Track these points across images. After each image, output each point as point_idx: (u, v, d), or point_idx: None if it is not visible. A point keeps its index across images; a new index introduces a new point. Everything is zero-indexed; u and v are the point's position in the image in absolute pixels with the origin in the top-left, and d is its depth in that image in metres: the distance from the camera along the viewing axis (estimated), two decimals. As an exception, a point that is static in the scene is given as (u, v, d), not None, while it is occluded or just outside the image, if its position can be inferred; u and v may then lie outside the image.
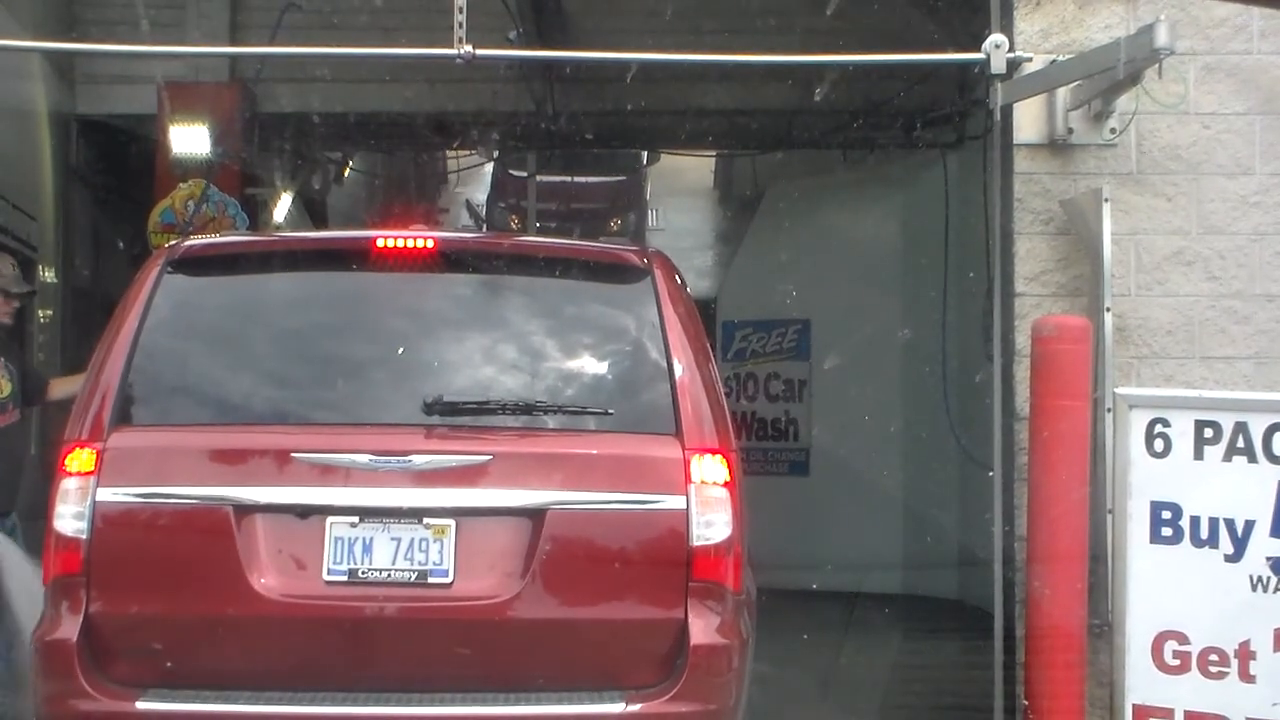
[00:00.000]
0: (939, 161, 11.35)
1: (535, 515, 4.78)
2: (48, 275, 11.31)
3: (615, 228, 18.95)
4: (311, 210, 13.99)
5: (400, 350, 5.03)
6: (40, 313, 11.08)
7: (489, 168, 19.38)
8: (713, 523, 4.80)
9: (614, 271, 5.23)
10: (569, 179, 17.98)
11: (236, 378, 5.07)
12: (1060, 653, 5.87)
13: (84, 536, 4.75)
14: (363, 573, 4.75)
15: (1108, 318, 6.63)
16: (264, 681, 4.74)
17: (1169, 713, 5.75)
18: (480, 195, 21.11)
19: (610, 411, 4.97)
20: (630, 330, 5.10)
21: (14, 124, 10.68)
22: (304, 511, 4.79)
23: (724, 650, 4.81)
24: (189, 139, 10.84)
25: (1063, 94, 6.83)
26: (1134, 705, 5.80)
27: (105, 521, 4.76)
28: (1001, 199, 7.18)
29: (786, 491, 12.41)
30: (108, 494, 4.77)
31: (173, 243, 5.44)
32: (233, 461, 4.91)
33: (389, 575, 4.75)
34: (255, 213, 11.35)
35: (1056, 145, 6.92)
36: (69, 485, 4.79)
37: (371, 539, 4.77)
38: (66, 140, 11.56)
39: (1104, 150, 6.92)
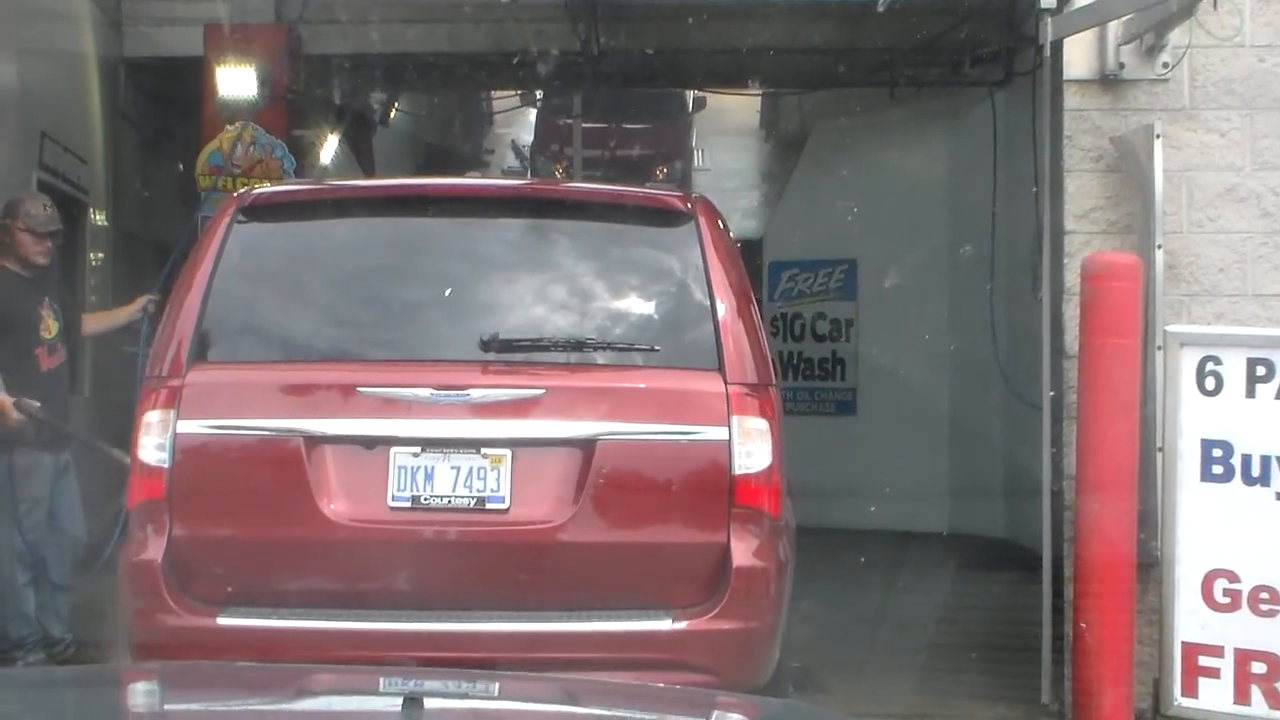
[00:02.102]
0: (987, 99, 11.24)
1: (586, 445, 5.03)
2: (98, 218, 11.38)
3: (661, 175, 18.83)
4: (358, 151, 14.01)
5: (451, 291, 5.28)
6: (91, 255, 11.16)
7: (533, 110, 19.31)
8: (753, 453, 5.04)
9: (660, 216, 5.45)
10: (613, 125, 17.89)
11: (305, 318, 5.38)
12: (1109, 584, 5.87)
13: (165, 465, 5.05)
14: (425, 499, 5.03)
15: (1159, 255, 6.58)
16: (333, 599, 5.07)
17: (1219, 650, 5.75)
18: (525, 136, 21.06)
19: (656, 348, 5.22)
20: (675, 272, 5.34)
21: (63, 68, 10.73)
22: (370, 442, 5.07)
23: (764, 572, 5.06)
24: (235, 81, 10.84)
25: (1114, 28, 6.74)
26: (1183, 643, 5.80)
27: (185, 452, 5.06)
28: (1051, 136, 7.12)
29: (834, 431, 12.42)
30: (186, 426, 5.06)
31: (242, 190, 5.71)
32: (303, 396, 5.21)
33: (449, 501, 5.03)
34: (302, 154, 11.36)
35: (1107, 81, 6.84)
36: (151, 418, 5.09)
37: (433, 468, 5.04)
38: (115, 84, 11.58)
39: (1156, 85, 6.84)
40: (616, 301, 5.38)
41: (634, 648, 4.96)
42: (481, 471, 5.03)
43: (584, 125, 15.12)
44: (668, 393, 5.14)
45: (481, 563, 5.06)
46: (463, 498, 5.02)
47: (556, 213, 5.62)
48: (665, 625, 4.97)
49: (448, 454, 5.04)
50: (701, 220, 5.35)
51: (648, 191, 5.98)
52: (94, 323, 8.07)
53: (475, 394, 5.05)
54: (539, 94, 18.63)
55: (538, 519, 5.01)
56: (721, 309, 5.17)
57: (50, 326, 7.34)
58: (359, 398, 5.11)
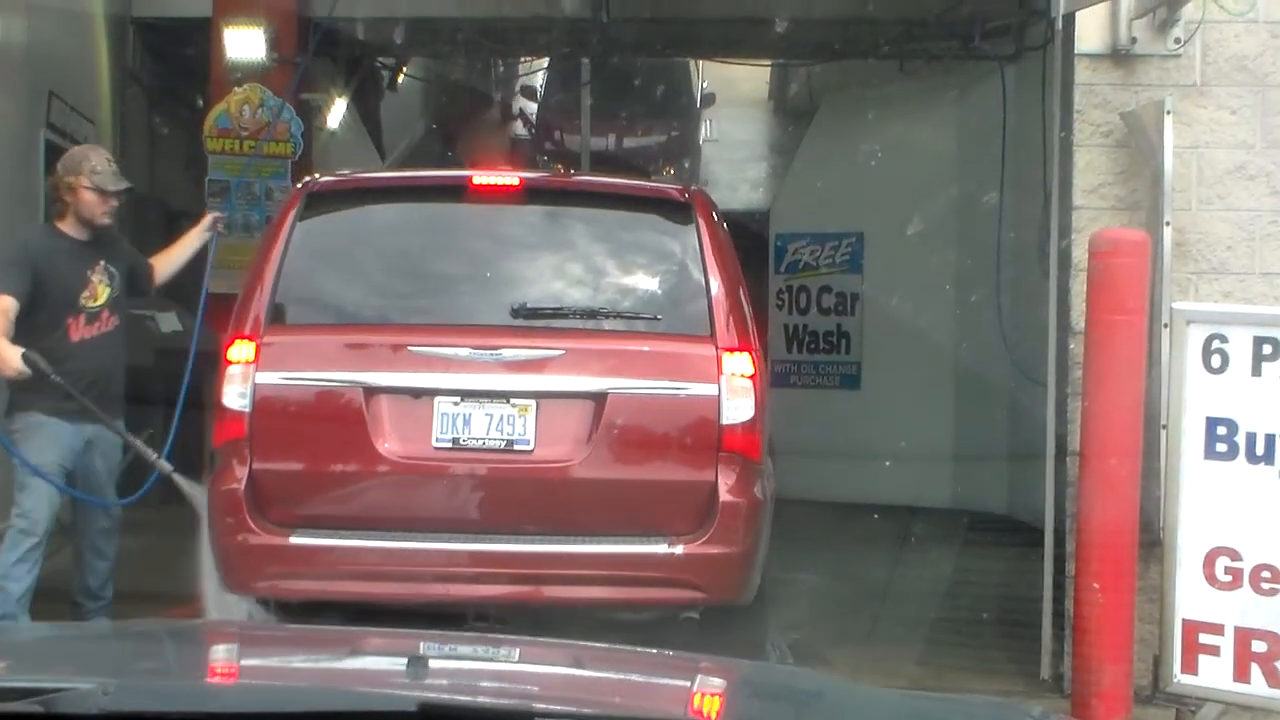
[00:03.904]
0: (997, 73, 11.20)
1: (598, 398, 5.93)
2: (104, 179, 11.33)
3: (669, 174, 18.78)
4: (365, 116, 13.97)
5: (472, 265, 6.26)
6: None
7: (540, 83, 19.24)
8: (739, 407, 5.91)
9: (661, 205, 6.46)
10: (621, 118, 17.89)
11: (363, 288, 6.34)
12: (1111, 561, 5.87)
13: (247, 410, 5.96)
14: (463, 441, 5.95)
15: (1167, 232, 6.57)
16: (385, 523, 6.04)
17: (1219, 628, 5.75)
18: (533, 106, 20.96)
19: (658, 317, 6.18)
20: (675, 253, 6.28)
21: (71, 26, 10.70)
22: (418, 392, 5.99)
23: (746, 506, 5.94)
24: (243, 43, 10.81)
25: (1126, 2, 6.72)
26: (1184, 620, 5.81)
27: (263, 398, 5.99)
28: (1061, 111, 7.09)
29: (837, 405, 12.40)
30: (264, 377, 5.99)
31: (308, 179, 6.74)
32: (362, 353, 6.16)
33: (483, 443, 5.94)
34: (310, 118, 11.33)
35: (1119, 56, 6.82)
36: (234, 370, 6.00)
37: (470, 415, 5.96)
38: (123, 43, 11.55)
39: (1167, 61, 6.81)
40: (625, 278, 6.35)
41: (636, 567, 5.91)
42: (510, 418, 5.93)
43: (591, 120, 15.22)
44: (667, 355, 6.05)
45: (509, 494, 5.99)
46: (495, 440, 5.92)
47: (575, 201, 6.58)
48: (663, 549, 5.88)
49: (483, 403, 5.95)
50: (698, 210, 6.26)
51: (653, 184, 7.29)
52: (165, 263, 7.35)
53: (506, 353, 5.96)
54: (540, 87, 18.67)
55: (557, 459, 5.93)
56: (714, 285, 6.05)
57: (98, 293, 6.90)
58: (409, 355, 6.03)
